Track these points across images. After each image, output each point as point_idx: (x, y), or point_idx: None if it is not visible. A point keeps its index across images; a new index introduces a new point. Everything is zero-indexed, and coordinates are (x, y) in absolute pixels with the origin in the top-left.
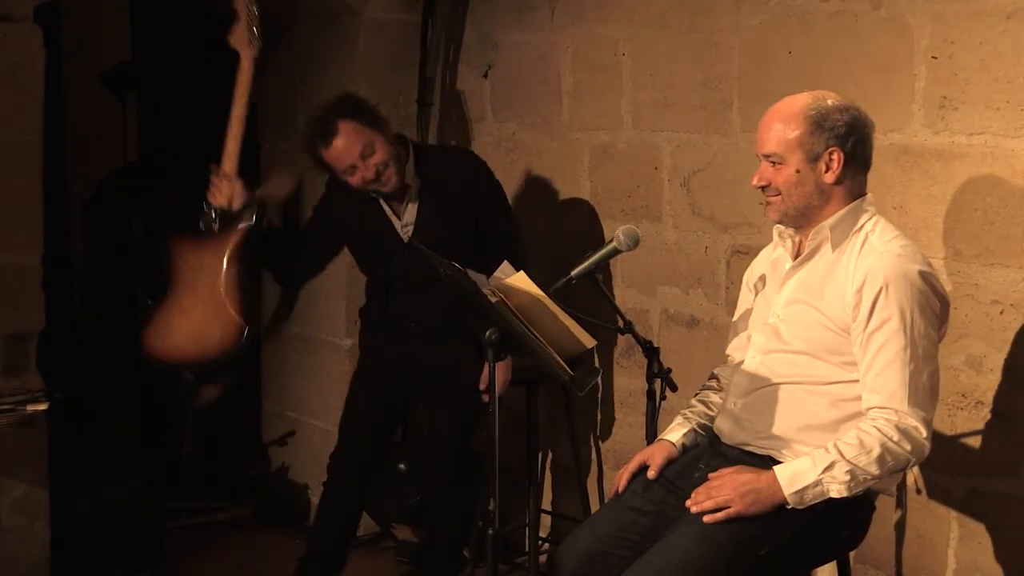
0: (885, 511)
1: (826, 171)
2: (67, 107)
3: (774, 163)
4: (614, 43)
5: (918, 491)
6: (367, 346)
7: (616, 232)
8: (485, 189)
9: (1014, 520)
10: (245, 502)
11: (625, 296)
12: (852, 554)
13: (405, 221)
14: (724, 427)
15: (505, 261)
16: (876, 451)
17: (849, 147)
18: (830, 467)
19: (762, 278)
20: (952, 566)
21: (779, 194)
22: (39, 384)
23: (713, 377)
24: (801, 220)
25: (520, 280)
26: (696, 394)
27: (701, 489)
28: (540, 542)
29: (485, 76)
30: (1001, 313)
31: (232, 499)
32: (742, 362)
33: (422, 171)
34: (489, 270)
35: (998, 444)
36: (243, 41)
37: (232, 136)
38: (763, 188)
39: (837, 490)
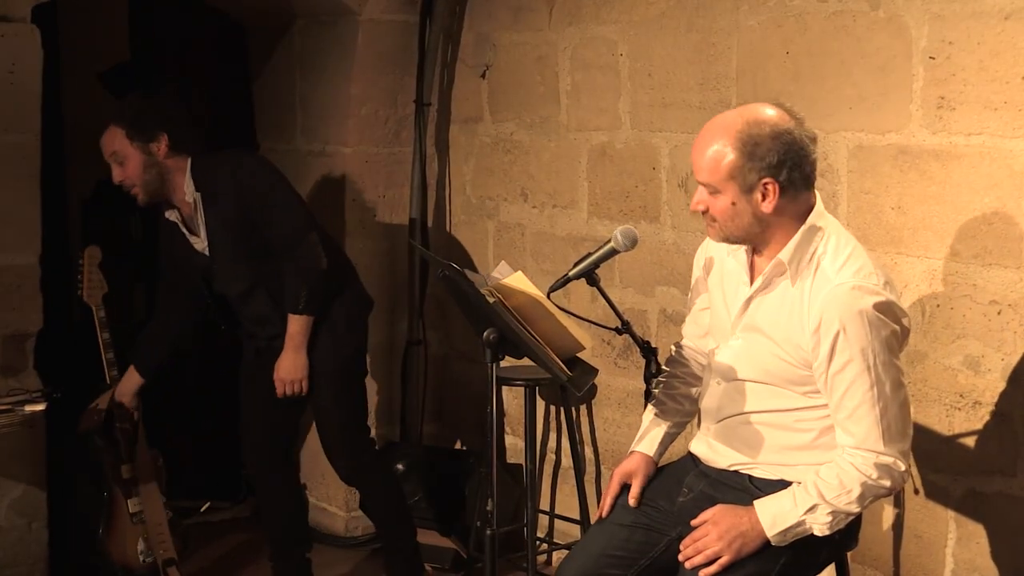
0: (883, 511)
1: (763, 201)
2: (66, 107)
3: (710, 191)
4: (612, 43)
5: (916, 491)
6: (241, 344)
7: (614, 232)
8: (243, 192)
9: (1012, 520)
10: (245, 502)
11: (623, 296)
12: (850, 554)
13: (201, 237)
14: (700, 452)
15: (503, 261)
16: (856, 491)
17: (784, 176)
18: (812, 509)
19: (709, 262)
20: (950, 566)
21: (716, 221)
22: (37, 384)
23: (674, 361)
24: (745, 243)
25: (518, 280)
26: (660, 382)
27: (688, 542)
28: (538, 542)
29: (483, 76)
30: (999, 313)
31: (232, 499)
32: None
33: (199, 185)
34: (289, 272)
35: (996, 444)
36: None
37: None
38: (703, 213)
39: (819, 529)
